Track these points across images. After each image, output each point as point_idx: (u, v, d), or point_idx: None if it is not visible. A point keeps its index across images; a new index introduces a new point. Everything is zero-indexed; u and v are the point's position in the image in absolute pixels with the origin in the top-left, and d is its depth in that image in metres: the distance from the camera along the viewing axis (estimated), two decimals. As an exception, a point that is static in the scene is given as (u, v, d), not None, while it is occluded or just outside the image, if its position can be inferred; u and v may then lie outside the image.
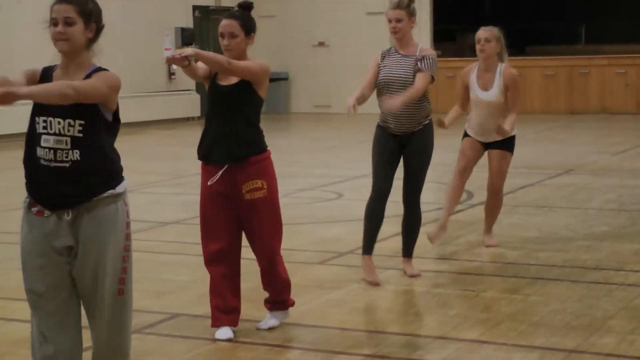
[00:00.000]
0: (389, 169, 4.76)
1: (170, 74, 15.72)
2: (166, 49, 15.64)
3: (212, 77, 3.93)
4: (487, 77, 5.43)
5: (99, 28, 2.90)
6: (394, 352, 3.75)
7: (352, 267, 5.19)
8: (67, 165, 2.83)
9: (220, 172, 3.86)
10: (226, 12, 16.45)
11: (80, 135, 2.82)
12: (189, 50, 3.67)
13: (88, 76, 2.85)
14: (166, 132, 14.29)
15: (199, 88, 16.29)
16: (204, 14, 16.60)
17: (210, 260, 3.99)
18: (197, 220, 7.39)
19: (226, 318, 3.97)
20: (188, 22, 16.09)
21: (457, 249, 5.65)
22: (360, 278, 4.89)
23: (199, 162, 4.01)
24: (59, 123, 2.82)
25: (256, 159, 3.89)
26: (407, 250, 4.97)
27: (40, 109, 2.84)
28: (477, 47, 5.42)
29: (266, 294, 4.12)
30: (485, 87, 5.44)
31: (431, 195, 7.95)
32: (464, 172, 5.54)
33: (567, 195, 7.63)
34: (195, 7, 16.29)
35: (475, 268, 5.20)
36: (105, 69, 2.89)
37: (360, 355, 3.71)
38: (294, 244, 5.21)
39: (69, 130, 2.83)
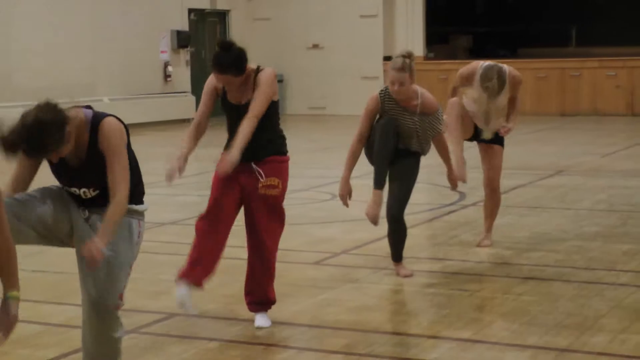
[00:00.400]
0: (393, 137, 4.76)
1: (166, 76, 15.86)
2: (162, 52, 15.76)
3: (222, 94, 4.01)
4: None
5: (67, 122, 2.85)
6: (388, 351, 3.78)
7: (347, 267, 5.23)
8: (89, 201, 3.02)
9: (256, 168, 3.99)
10: (219, 15, 16.11)
11: (92, 196, 3.00)
12: (233, 160, 3.83)
13: (92, 134, 2.88)
14: (162, 133, 14.34)
15: (194, 90, 16.41)
16: (199, 17, 16.73)
17: (207, 218, 4.03)
18: (193, 221, 7.38)
19: (192, 273, 4.02)
20: (184, 25, 16.24)
21: (450, 249, 5.69)
22: (356, 278, 4.93)
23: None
24: (75, 191, 2.99)
25: (276, 158, 4.03)
26: (397, 256, 5.01)
27: (58, 177, 2.99)
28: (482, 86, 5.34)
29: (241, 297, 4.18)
30: None
31: (423, 197, 8.00)
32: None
33: (559, 195, 7.68)
34: (190, 10, 16.44)
35: (468, 268, 5.23)
36: (101, 119, 2.89)
37: (355, 354, 3.74)
38: (289, 245, 5.24)
39: (86, 194, 2.99)
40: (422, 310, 4.40)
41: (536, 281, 4.84)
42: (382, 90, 4.84)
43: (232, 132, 4.01)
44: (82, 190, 2.95)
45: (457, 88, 5.51)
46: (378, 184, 4.81)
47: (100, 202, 2.99)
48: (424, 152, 4.91)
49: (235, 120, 3.99)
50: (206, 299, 4.58)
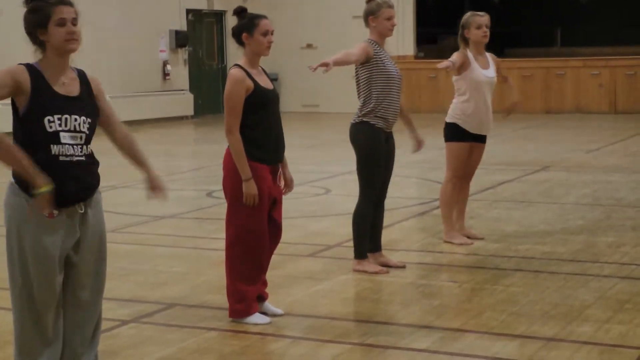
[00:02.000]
0: (382, 174, 4.90)
1: (165, 74, 16.05)
2: (161, 51, 15.95)
3: (255, 82, 4.01)
4: (481, 59, 5.57)
5: None
6: (381, 340, 3.85)
7: (341, 259, 5.31)
8: (84, 159, 2.97)
9: (280, 171, 4.14)
10: (216, 15, 16.36)
11: (88, 132, 2.98)
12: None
13: (80, 74, 3.00)
14: (160, 130, 14.45)
15: (192, 88, 16.57)
16: (197, 17, 16.91)
17: (254, 238, 4.05)
18: (191, 215, 7.47)
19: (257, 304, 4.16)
20: (182, 25, 16.43)
21: (440, 241, 5.76)
22: (350, 270, 5.00)
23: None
24: (75, 120, 2.93)
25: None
26: (380, 244, 5.08)
27: (52, 108, 2.91)
28: (480, 32, 5.48)
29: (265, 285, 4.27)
30: (485, 67, 5.57)
31: (412, 191, 8.12)
32: (465, 177, 5.66)
33: (545, 190, 7.78)
34: (188, 11, 16.62)
35: (458, 260, 5.33)
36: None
37: (349, 343, 3.81)
38: (285, 237, 5.24)
39: (82, 127, 2.96)
40: (414, 301, 4.47)
41: (524, 273, 4.94)
42: (369, 41, 4.86)
43: (272, 125, 4.02)
44: (82, 118, 2.93)
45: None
46: (365, 252, 4.94)
47: (90, 168, 2.98)
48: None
49: (274, 108, 4.05)
50: (205, 290, 4.68)
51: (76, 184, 2.95)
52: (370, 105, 4.80)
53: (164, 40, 16.02)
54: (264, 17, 4.08)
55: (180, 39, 16.18)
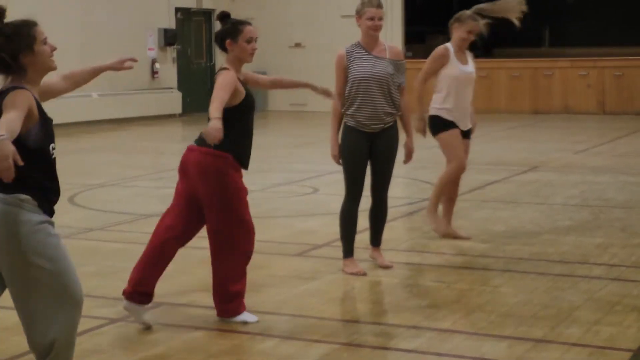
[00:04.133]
0: (361, 172, 4.90)
1: (154, 72, 16.03)
2: (149, 49, 15.93)
3: (245, 89, 4.01)
4: (461, 55, 5.72)
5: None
6: (369, 341, 3.85)
7: (328, 258, 5.29)
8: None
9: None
10: (204, 14, 16.28)
11: None
12: None
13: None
14: (148, 128, 14.42)
15: (180, 86, 16.53)
16: (185, 16, 16.97)
17: (248, 245, 4.04)
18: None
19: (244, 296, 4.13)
20: (170, 23, 16.46)
21: (429, 242, 5.77)
22: (338, 269, 4.99)
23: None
24: (53, 148, 2.91)
25: None
26: (376, 240, 5.10)
27: (52, 135, 2.87)
28: (465, 36, 5.66)
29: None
30: (464, 63, 5.71)
31: (401, 191, 8.11)
32: (464, 167, 5.67)
33: (533, 191, 7.81)
34: (177, 9, 16.67)
35: (446, 260, 5.32)
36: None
37: (336, 343, 3.80)
38: (272, 236, 5.28)
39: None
40: (402, 301, 4.46)
41: (512, 273, 4.94)
42: (347, 46, 4.94)
43: (250, 131, 4.05)
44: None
45: (428, 78, 5.69)
46: (347, 253, 4.96)
47: None
48: (395, 104, 4.91)
49: (253, 114, 4.08)
50: (192, 289, 4.65)
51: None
52: (346, 105, 4.92)
53: (152, 38, 16.05)
54: (248, 23, 4.07)
55: (168, 37, 16.24)
